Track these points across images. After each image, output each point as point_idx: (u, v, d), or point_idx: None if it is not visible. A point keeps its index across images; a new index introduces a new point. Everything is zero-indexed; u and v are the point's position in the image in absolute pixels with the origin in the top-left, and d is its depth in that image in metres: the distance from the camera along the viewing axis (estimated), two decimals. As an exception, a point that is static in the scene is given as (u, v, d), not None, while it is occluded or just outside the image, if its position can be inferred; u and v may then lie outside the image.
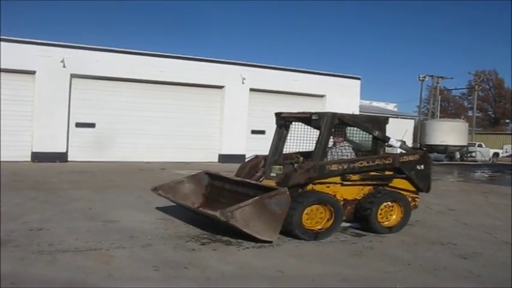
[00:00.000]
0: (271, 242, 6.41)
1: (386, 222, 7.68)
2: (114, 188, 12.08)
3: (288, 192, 6.56)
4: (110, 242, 6.30)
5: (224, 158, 22.43)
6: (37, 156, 19.04)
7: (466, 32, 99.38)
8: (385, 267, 5.85)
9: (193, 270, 5.34)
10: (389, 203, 7.70)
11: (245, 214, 6.16)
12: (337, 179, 7.39)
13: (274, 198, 6.36)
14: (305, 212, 6.87)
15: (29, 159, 19.12)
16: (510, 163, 35.18)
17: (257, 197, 6.36)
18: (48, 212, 8.35)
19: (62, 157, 19.48)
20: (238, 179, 7.80)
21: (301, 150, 8.13)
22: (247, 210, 6.19)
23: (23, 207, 8.65)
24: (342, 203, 7.37)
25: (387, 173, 7.87)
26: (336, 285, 5.14)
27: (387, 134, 8.11)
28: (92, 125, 20.56)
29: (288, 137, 8.33)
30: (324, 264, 5.89)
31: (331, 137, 7.86)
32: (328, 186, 7.33)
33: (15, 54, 18.64)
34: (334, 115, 7.57)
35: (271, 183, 7.37)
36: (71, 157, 19.86)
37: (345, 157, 7.84)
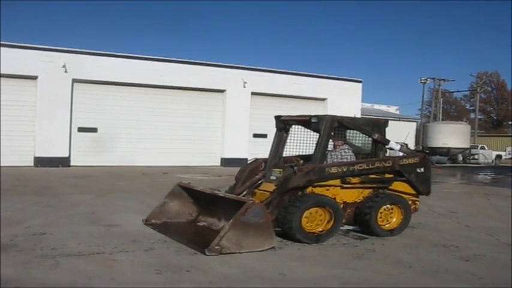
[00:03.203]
0: (273, 247, 6.42)
1: (387, 225, 7.68)
2: (116, 192, 12.12)
3: (256, 201, 6.50)
4: (112, 246, 6.32)
5: (226, 162, 22.46)
6: (40, 161, 19.12)
7: (467, 34, 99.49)
8: (387, 269, 5.85)
9: (195, 273, 5.36)
10: (388, 206, 7.70)
11: (232, 239, 6.08)
12: (337, 181, 7.38)
13: (248, 213, 6.22)
14: (304, 215, 6.87)
15: (32, 164, 19.21)
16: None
17: (232, 220, 6.21)
18: (51, 216, 8.38)
19: (64, 162, 19.57)
20: (208, 191, 7.62)
21: (301, 153, 8.14)
22: (231, 235, 6.08)
23: (26, 212, 8.69)
24: (341, 205, 7.37)
25: (387, 175, 7.86)
26: (338, 288, 5.15)
27: (388, 137, 8.11)
28: (94, 130, 20.64)
29: (288, 140, 8.34)
30: (326, 267, 5.89)
31: (331, 140, 7.87)
32: (327, 189, 7.33)
33: (18, 59, 18.77)
34: (333, 118, 7.58)
35: (271, 186, 7.38)
36: (73, 162, 19.94)
37: (345, 160, 7.85)
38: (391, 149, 8.33)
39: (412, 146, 32.39)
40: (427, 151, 30.76)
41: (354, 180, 7.48)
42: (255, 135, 23.55)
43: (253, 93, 23.76)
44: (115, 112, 20.84)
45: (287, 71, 25.37)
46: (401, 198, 7.87)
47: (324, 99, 25.77)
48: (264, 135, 21.64)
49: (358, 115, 24.01)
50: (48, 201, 10.03)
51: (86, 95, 20.31)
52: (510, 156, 44.04)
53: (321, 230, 7.04)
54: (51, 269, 5.28)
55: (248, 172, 8.11)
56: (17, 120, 18.95)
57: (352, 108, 24.57)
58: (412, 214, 8.04)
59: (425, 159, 8.26)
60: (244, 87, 23.49)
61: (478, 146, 40.85)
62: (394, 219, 7.75)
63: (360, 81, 27.40)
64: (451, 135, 34.69)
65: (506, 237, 7.93)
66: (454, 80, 59.29)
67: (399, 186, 7.96)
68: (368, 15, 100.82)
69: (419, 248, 7.02)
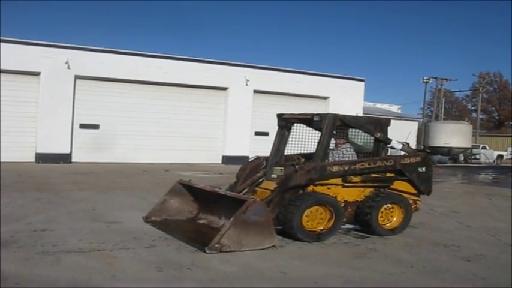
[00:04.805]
0: (274, 246, 6.42)
1: (388, 224, 7.66)
2: (117, 189, 12.12)
3: (257, 199, 6.49)
4: (113, 243, 6.32)
5: (228, 160, 22.46)
6: (41, 157, 19.13)
7: (470, 33, 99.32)
8: (388, 269, 5.84)
9: (196, 271, 5.36)
10: (389, 205, 7.68)
11: (232, 237, 6.07)
12: (338, 180, 7.37)
13: (249, 211, 6.20)
14: (305, 214, 6.86)
15: (33, 160, 19.23)
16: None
17: (232, 218, 6.18)
18: (52, 212, 8.38)
19: (65, 158, 19.58)
20: (208, 189, 7.59)
21: (302, 151, 8.12)
22: (232, 233, 6.07)
23: (27, 208, 8.69)
24: (342, 204, 7.36)
25: (388, 175, 7.85)
26: (339, 287, 5.14)
27: (390, 136, 8.09)
28: (96, 126, 20.66)
29: (290, 139, 8.32)
30: (327, 265, 5.89)
31: (333, 139, 7.85)
32: (329, 188, 7.32)
33: (20, 55, 18.77)
34: (335, 116, 7.56)
35: (272, 184, 7.37)
36: (74, 158, 19.95)
37: (346, 159, 7.82)
38: (392, 148, 8.30)
39: (413, 145, 32.37)
40: (428, 150, 30.63)
41: (355, 179, 7.46)
42: (257, 133, 23.56)
43: (255, 91, 23.74)
44: (117, 109, 20.84)
45: (289, 69, 25.36)
46: (402, 197, 7.86)
47: (326, 98, 25.75)
48: (266, 133, 21.65)
49: (360, 114, 23.98)
50: (49, 198, 10.04)
51: (88, 92, 20.32)
52: (511, 156, 44.00)
53: (321, 228, 7.03)
54: (52, 266, 5.28)
55: (249, 170, 8.09)
56: (18, 116, 18.97)
57: (354, 107, 24.58)
58: (413, 213, 8.02)
59: (427, 159, 8.24)
60: (247, 85, 23.46)
61: (479, 146, 40.85)
62: (395, 219, 7.73)
63: (363, 80, 27.36)
64: (452, 135, 34.65)
65: (507, 238, 7.92)
66: (456, 80, 59.30)
67: (400, 185, 7.94)
68: (371, 14, 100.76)
69: (421, 248, 7.01)
